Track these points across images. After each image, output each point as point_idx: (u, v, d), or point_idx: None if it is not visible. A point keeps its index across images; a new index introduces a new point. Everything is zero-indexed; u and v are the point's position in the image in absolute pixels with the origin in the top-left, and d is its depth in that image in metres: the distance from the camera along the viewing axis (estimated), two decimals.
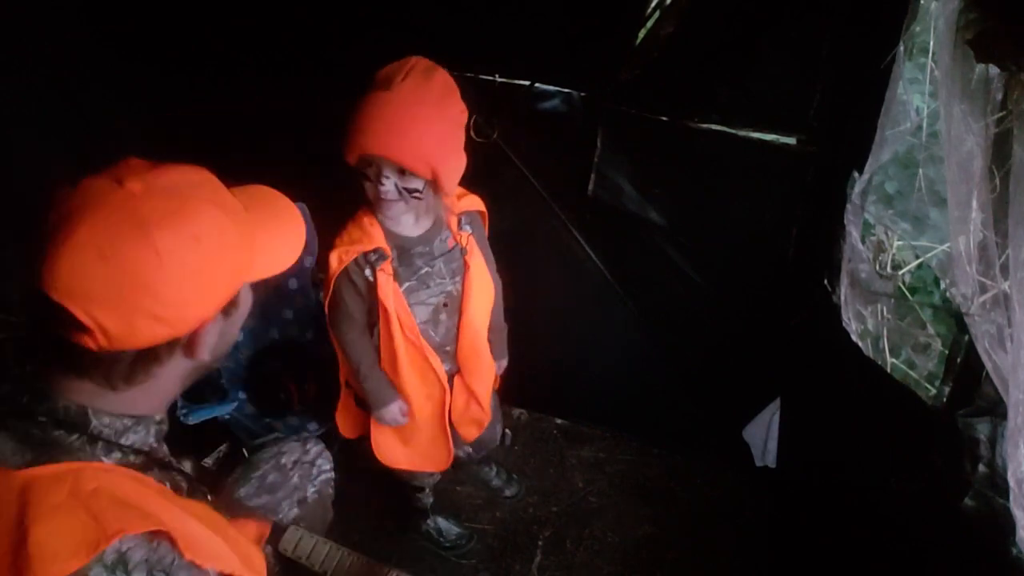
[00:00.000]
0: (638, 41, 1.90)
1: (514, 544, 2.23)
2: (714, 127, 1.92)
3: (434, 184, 1.49)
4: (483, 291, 1.73)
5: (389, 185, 1.47)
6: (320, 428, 2.14)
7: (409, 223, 1.61)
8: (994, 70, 1.18)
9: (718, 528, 2.26)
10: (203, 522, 0.94)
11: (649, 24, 1.87)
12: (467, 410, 1.85)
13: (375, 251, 1.56)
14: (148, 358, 0.90)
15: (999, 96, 1.18)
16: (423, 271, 1.64)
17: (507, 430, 2.40)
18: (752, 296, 2.13)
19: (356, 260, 1.57)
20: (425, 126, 1.42)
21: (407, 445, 1.86)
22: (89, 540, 0.80)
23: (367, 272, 1.58)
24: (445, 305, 1.70)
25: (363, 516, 2.24)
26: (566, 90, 2.01)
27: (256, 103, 2.13)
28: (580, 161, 2.07)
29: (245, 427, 2.11)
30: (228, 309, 0.96)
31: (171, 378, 0.96)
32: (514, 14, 1.89)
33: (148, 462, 0.96)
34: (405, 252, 1.61)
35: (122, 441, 0.93)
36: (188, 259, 0.86)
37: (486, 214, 1.76)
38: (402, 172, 1.46)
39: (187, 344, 0.93)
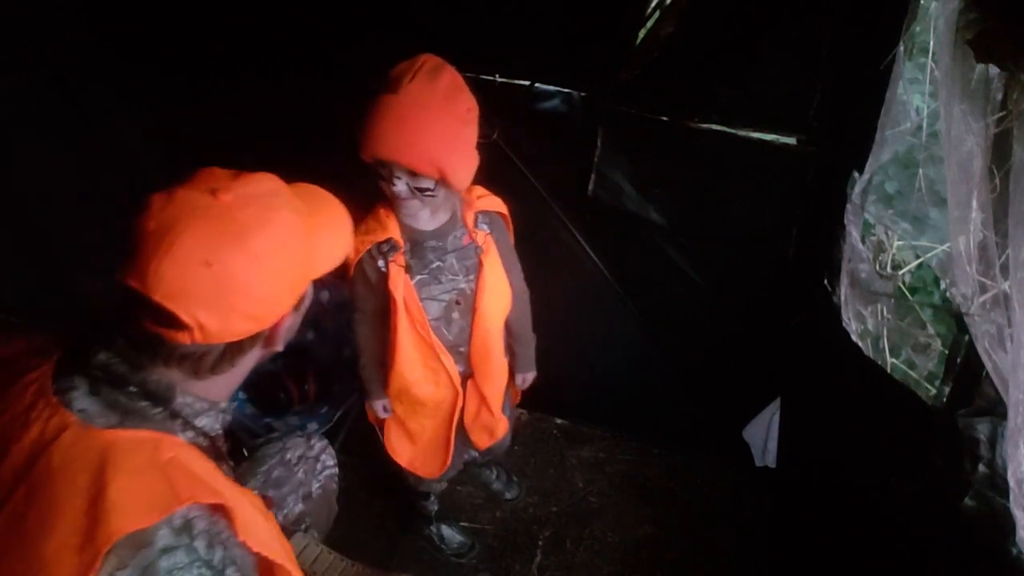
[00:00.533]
0: (638, 41, 1.90)
1: (514, 544, 2.23)
2: (714, 127, 1.92)
3: (444, 183, 1.51)
4: (497, 292, 1.72)
5: (401, 185, 1.51)
6: (320, 428, 2.15)
7: (424, 217, 1.62)
8: (994, 70, 1.18)
9: (718, 528, 2.26)
10: (256, 509, 1.03)
11: (649, 24, 1.87)
12: (478, 416, 1.84)
13: (387, 241, 1.59)
14: (235, 350, 1.00)
15: (999, 96, 1.18)
16: (435, 265, 1.64)
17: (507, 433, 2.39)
18: (752, 296, 2.13)
19: (370, 250, 1.60)
20: (431, 128, 1.43)
21: (413, 444, 1.86)
22: (162, 502, 0.87)
23: (380, 263, 1.61)
24: (458, 303, 1.69)
25: (364, 516, 2.24)
26: (566, 90, 2.01)
27: (256, 103, 2.13)
28: (580, 161, 2.07)
29: (245, 427, 2.11)
30: (299, 304, 1.08)
31: (247, 367, 1.07)
32: (514, 14, 1.89)
33: (211, 446, 1.04)
34: (418, 245, 1.63)
35: (196, 422, 1.02)
36: (278, 262, 0.96)
37: (508, 217, 1.75)
38: (412, 173, 1.49)
39: (268, 336, 1.04)
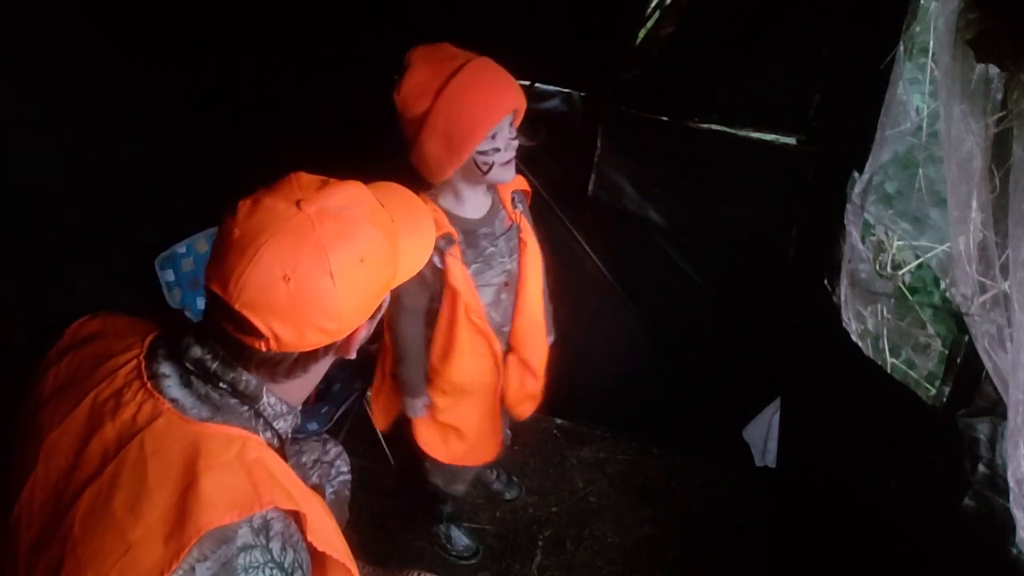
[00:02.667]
0: (638, 41, 1.90)
1: (514, 544, 2.23)
2: (714, 127, 1.92)
3: (516, 124, 1.55)
4: (537, 267, 1.74)
5: (511, 145, 1.52)
6: (320, 428, 2.14)
7: (476, 205, 1.62)
8: (994, 70, 1.18)
9: (718, 528, 2.26)
10: (323, 508, 1.04)
11: (649, 24, 1.87)
12: (522, 387, 1.84)
13: (444, 236, 1.55)
14: (308, 358, 1.01)
15: (999, 96, 1.18)
16: (488, 251, 1.64)
17: (507, 430, 2.40)
18: (752, 296, 2.13)
19: None
20: (501, 69, 1.49)
21: (456, 439, 1.84)
22: (246, 502, 0.88)
23: (435, 259, 1.56)
24: (506, 284, 1.70)
25: (364, 516, 2.24)
26: (566, 90, 2.02)
27: (256, 103, 2.13)
28: (580, 161, 2.07)
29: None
30: (375, 314, 1.06)
31: (320, 373, 1.08)
32: (514, 14, 1.89)
33: (280, 448, 1.06)
34: (471, 234, 1.61)
35: (275, 424, 1.04)
36: (355, 279, 0.96)
37: (530, 192, 1.77)
38: (510, 122, 1.52)
39: (341, 345, 1.04)
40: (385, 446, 2.27)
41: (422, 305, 1.65)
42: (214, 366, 0.98)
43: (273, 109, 2.14)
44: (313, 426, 2.17)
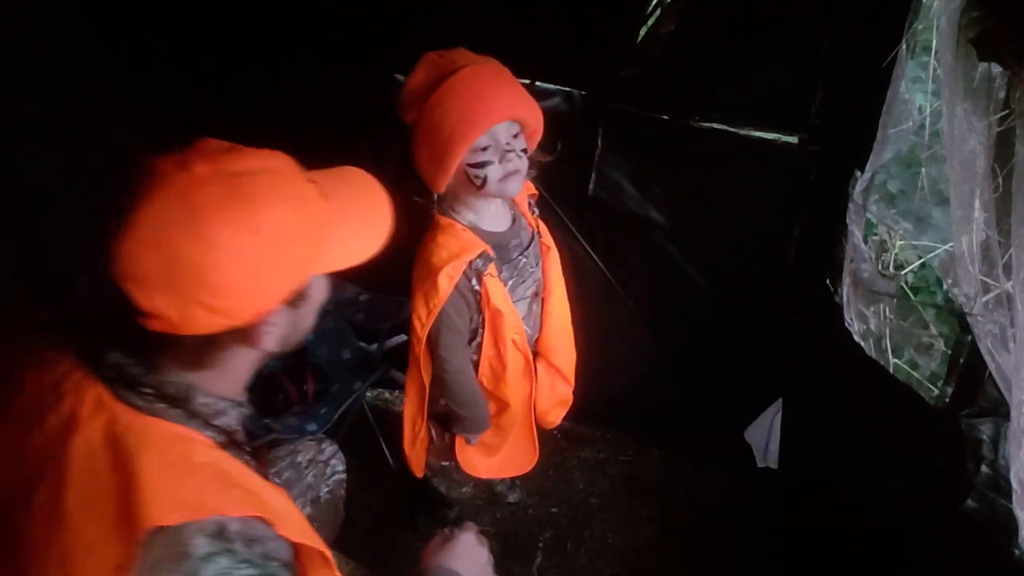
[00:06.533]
0: (639, 39, 1.89)
1: (514, 545, 2.22)
2: (715, 126, 1.91)
3: (532, 136, 1.46)
4: (559, 270, 1.69)
5: (515, 149, 1.40)
6: (319, 428, 2.14)
7: (499, 218, 1.53)
8: (997, 69, 1.17)
9: (720, 529, 2.25)
10: (287, 500, 0.98)
11: (650, 22, 1.86)
12: (553, 393, 1.78)
13: (481, 256, 1.45)
14: (210, 344, 0.91)
15: (1002, 95, 1.17)
16: (522, 263, 1.57)
17: None
18: (754, 296, 2.12)
19: (464, 272, 1.45)
20: (509, 79, 1.40)
21: (493, 454, 1.80)
22: (188, 505, 0.83)
23: (473, 282, 1.47)
24: (536, 294, 1.65)
25: (363, 516, 2.23)
26: (566, 89, 2.01)
27: (257, 103, 2.13)
28: (580, 160, 2.06)
29: (243, 428, 2.10)
30: (295, 301, 0.95)
31: (239, 365, 0.98)
32: (514, 12, 1.89)
33: (229, 441, 0.98)
34: (503, 248, 1.53)
35: (215, 422, 0.96)
36: (243, 251, 0.85)
37: (537, 195, 1.72)
38: (512, 133, 1.41)
39: (248, 334, 0.92)
40: (385, 447, 2.27)
41: (466, 335, 1.55)
42: (135, 370, 0.90)
43: (275, 109, 2.14)
44: (312, 427, 2.16)
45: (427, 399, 1.64)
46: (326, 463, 1.60)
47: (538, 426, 1.83)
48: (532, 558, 2.19)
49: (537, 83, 1.99)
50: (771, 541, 2.20)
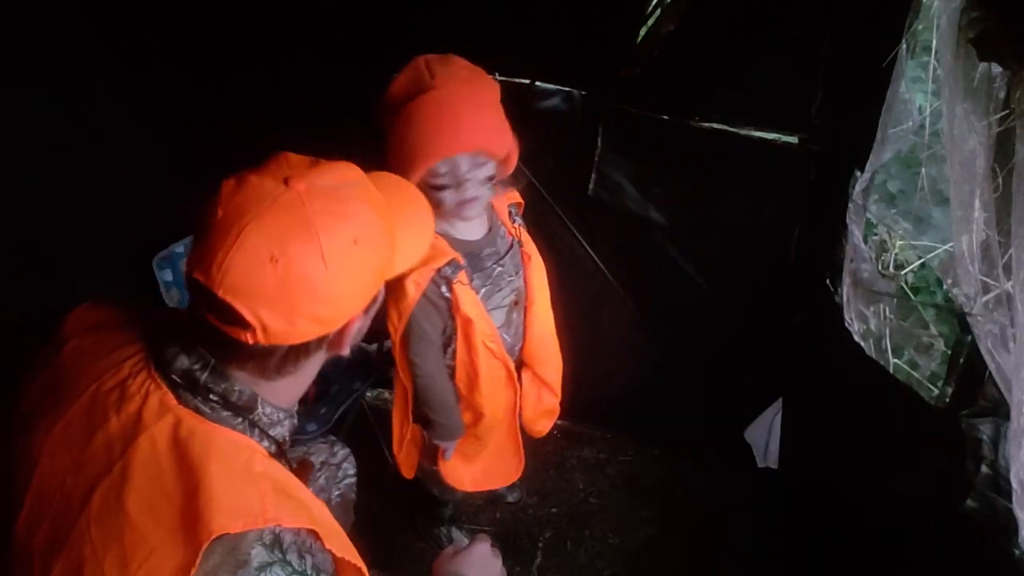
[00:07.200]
0: (639, 39, 1.89)
1: (514, 545, 2.22)
2: (715, 126, 1.91)
3: (503, 164, 1.46)
4: (544, 279, 1.69)
5: (475, 179, 1.42)
6: (319, 429, 2.14)
7: (473, 226, 1.54)
8: (997, 69, 1.17)
9: (719, 529, 2.25)
10: (331, 515, 0.99)
11: (650, 22, 1.86)
12: (539, 403, 1.78)
13: (449, 264, 1.47)
14: (299, 352, 0.94)
15: (1002, 95, 1.17)
16: (496, 272, 1.58)
17: None
18: (754, 296, 2.12)
19: (433, 279, 1.47)
20: (485, 107, 1.40)
21: (474, 466, 1.80)
22: (251, 513, 0.84)
23: (443, 289, 1.48)
24: (515, 303, 1.64)
25: (363, 516, 2.22)
26: (566, 89, 2.01)
27: (258, 103, 2.13)
28: (580, 161, 2.06)
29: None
30: (370, 306, 0.99)
31: (312, 371, 1.02)
32: (514, 12, 1.89)
33: (279, 452, 1.01)
34: (476, 257, 1.54)
35: (271, 432, 0.98)
36: (348, 262, 0.89)
37: (523, 204, 1.71)
38: (478, 163, 1.42)
39: (333, 340, 0.97)
40: (385, 447, 2.26)
41: (439, 341, 1.57)
42: (203, 377, 0.92)
43: (276, 109, 2.14)
44: (312, 427, 2.16)
45: (410, 402, 1.66)
46: (338, 466, 1.60)
47: (527, 435, 1.83)
48: (532, 558, 2.19)
49: (537, 83, 1.99)
50: (771, 541, 2.20)
